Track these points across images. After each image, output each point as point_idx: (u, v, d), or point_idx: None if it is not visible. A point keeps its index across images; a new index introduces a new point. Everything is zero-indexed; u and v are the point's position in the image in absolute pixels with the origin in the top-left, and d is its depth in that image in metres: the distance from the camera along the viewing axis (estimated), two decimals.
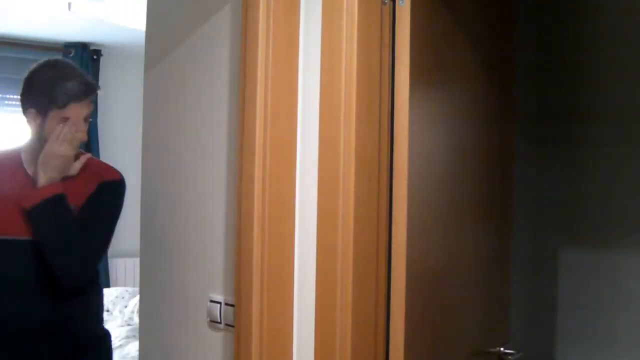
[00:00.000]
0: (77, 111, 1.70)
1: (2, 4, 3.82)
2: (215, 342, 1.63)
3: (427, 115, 1.55)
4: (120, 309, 4.16)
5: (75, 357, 1.78)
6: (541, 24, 2.37)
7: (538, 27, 2.37)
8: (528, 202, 2.29)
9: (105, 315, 4.13)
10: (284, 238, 1.46)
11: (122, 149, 5.19)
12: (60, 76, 1.70)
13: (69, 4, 3.62)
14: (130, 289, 4.41)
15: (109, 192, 1.79)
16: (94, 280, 1.86)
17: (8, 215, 1.70)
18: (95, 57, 5.02)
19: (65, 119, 1.69)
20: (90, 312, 1.86)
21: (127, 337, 3.70)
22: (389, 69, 1.46)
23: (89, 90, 1.73)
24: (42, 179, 1.67)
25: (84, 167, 1.75)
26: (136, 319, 3.92)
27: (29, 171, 1.75)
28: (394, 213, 1.45)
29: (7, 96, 4.65)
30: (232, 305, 1.55)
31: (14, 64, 4.67)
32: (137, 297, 4.06)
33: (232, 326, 1.55)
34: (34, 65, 1.78)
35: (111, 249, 5.77)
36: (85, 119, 1.74)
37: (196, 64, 1.71)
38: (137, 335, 3.52)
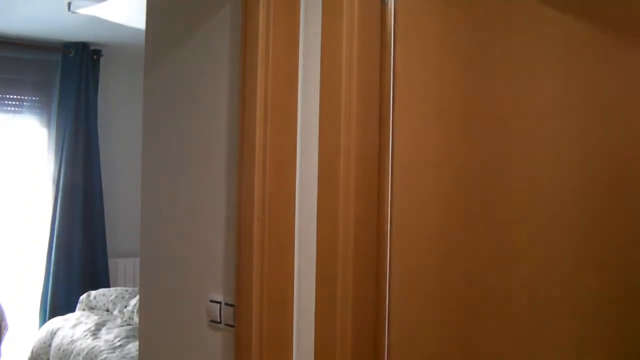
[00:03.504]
0: None
1: (2, 3, 3.82)
2: (215, 342, 1.63)
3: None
4: (120, 309, 4.17)
5: None
6: None
7: None
8: None
9: (105, 315, 4.14)
10: (284, 238, 1.46)
11: (123, 148, 5.19)
12: None
13: (69, 4, 3.61)
14: (130, 289, 4.41)
15: None
16: None
17: None
18: (95, 57, 5.02)
19: None
20: None
21: (127, 337, 3.70)
22: (389, 68, 1.46)
23: None
24: None
25: None
26: (136, 319, 3.92)
27: None
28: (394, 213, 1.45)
29: (7, 96, 4.65)
30: (232, 306, 1.55)
31: (13, 63, 4.67)
32: (137, 297, 4.06)
33: (232, 326, 1.55)
34: None
35: (111, 249, 5.78)
36: None
37: (196, 64, 1.71)
38: (137, 335, 3.51)
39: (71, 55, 4.85)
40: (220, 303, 1.60)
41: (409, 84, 1.44)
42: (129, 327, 3.88)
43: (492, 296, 1.34)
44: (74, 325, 3.94)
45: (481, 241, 1.33)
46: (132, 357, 3.38)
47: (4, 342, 4.18)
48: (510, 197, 1.31)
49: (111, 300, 4.28)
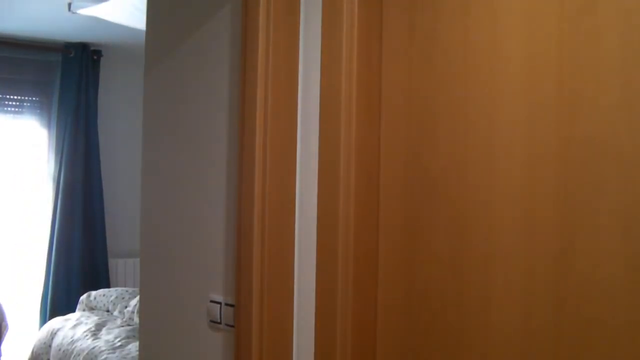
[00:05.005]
0: None
1: (2, 3, 3.82)
2: (215, 342, 1.63)
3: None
4: (120, 309, 4.17)
5: None
6: None
7: None
8: None
9: (105, 315, 4.14)
10: (284, 238, 1.46)
11: (123, 148, 5.20)
12: None
13: (69, 4, 3.62)
14: (130, 289, 4.42)
15: None
16: None
17: None
18: (95, 57, 5.02)
19: None
20: None
21: (127, 337, 3.70)
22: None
23: None
24: None
25: None
26: (136, 319, 3.93)
27: None
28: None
29: (7, 97, 4.66)
30: (232, 306, 1.55)
31: (14, 64, 4.68)
32: (137, 298, 4.06)
33: (232, 326, 1.55)
34: None
35: (111, 249, 5.78)
36: None
37: (197, 64, 1.71)
38: (137, 335, 3.51)
39: (71, 55, 4.86)
40: (220, 303, 1.60)
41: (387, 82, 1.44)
42: (129, 327, 3.89)
43: (450, 305, 1.33)
44: (74, 326, 3.95)
45: (440, 244, 1.32)
46: (133, 357, 3.38)
47: (4, 342, 4.18)
48: (470, 195, 1.28)
49: (111, 301, 4.28)
